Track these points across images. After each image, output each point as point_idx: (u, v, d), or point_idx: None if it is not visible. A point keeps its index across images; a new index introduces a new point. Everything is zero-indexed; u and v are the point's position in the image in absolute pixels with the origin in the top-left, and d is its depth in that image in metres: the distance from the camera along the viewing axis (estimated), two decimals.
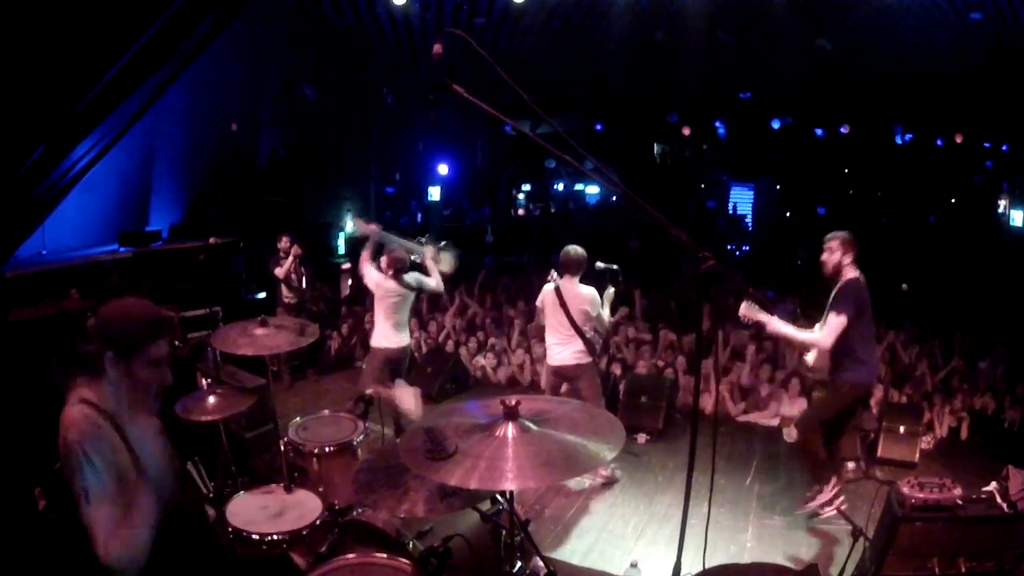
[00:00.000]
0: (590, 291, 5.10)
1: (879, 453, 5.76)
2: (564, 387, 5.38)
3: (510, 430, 2.14)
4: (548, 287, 5.21)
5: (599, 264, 5.27)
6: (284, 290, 7.67)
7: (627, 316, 8.48)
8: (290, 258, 7.53)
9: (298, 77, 10.94)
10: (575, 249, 5.16)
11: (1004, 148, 14.77)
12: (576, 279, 5.12)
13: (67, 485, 2.00)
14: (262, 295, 8.83)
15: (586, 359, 5.18)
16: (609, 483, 5.42)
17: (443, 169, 15.79)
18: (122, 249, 8.07)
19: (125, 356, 2.08)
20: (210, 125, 9.11)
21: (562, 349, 5.20)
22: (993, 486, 3.75)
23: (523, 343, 8.03)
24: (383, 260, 5.55)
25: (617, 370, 7.24)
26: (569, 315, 5.09)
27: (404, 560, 2.51)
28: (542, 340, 5.70)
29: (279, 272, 7.55)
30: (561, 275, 5.14)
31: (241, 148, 9.94)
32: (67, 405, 2.05)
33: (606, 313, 5.23)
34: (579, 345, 5.14)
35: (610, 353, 7.54)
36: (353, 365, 8.28)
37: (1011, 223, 14.48)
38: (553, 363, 5.29)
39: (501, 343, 8.21)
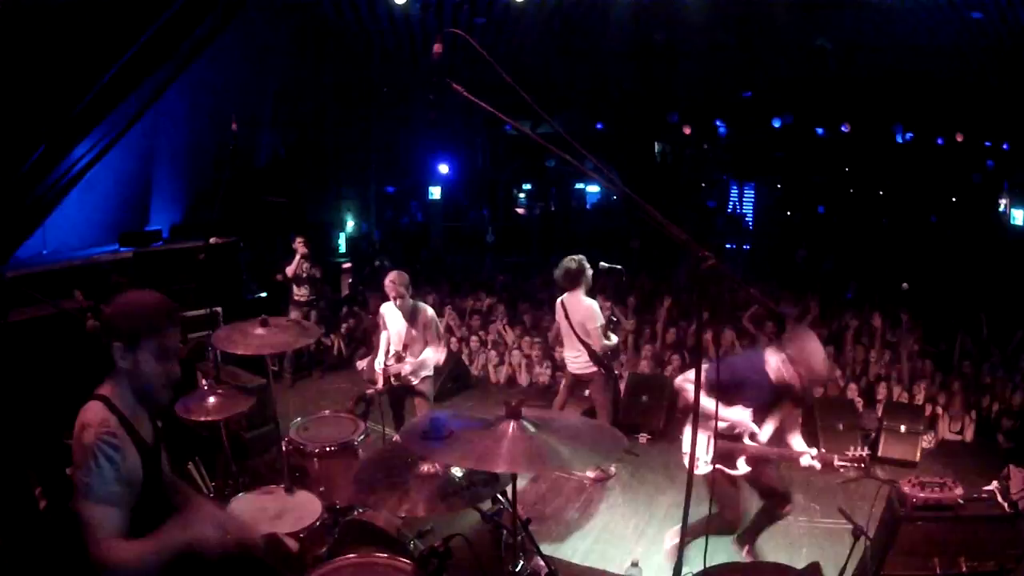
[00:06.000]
0: (590, 305, 5.09)
1: (880, 452, 5.76)
2: (587, 392, 5.48)
3: (510, 428, 2.16)
4: (558, 301, 5.30)
5: (603, 264, 5.28)
6: (295, 288, 8.01)
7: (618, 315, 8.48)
8: (296, 257, 7.85)
9: (300, 77, 10.92)
10: (564, 264, 5.13)
11: (1005, 147, 14.73)
12: (578, 292, 5.11)
13: (69, 476, 2.00)
14: (263, 295, 8.89)
15: (591, 368, 5.22)
16: (604, 479, 5.45)
17: (443, 169, 15.78)
18: (122, 249, 8.07)
19: (132, 345, 2.05)
20: (210, 125, 9.10)
21: (573, 360, 5.33)
22: (994, 485, 3.75)
23: (520, 343, 8.04)
24: None
25: (617, 369, 7.23)
26: (572, 328, 5.15)
27: (405, 560, 2.52)
28: (562, 346, 5.72)
29: (288, 271, 7.95)
30: (563, 291, 5.20)
31: (241, 148, 9.93)
32: (89, 401, 2.06)
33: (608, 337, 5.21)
34: (585, 356, 5.19)
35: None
36: (353, 365, 8.26)
37: (1012, 222, 14.45)
38: (570, 370, 5.43)
39: (504, 339, 8.22)
